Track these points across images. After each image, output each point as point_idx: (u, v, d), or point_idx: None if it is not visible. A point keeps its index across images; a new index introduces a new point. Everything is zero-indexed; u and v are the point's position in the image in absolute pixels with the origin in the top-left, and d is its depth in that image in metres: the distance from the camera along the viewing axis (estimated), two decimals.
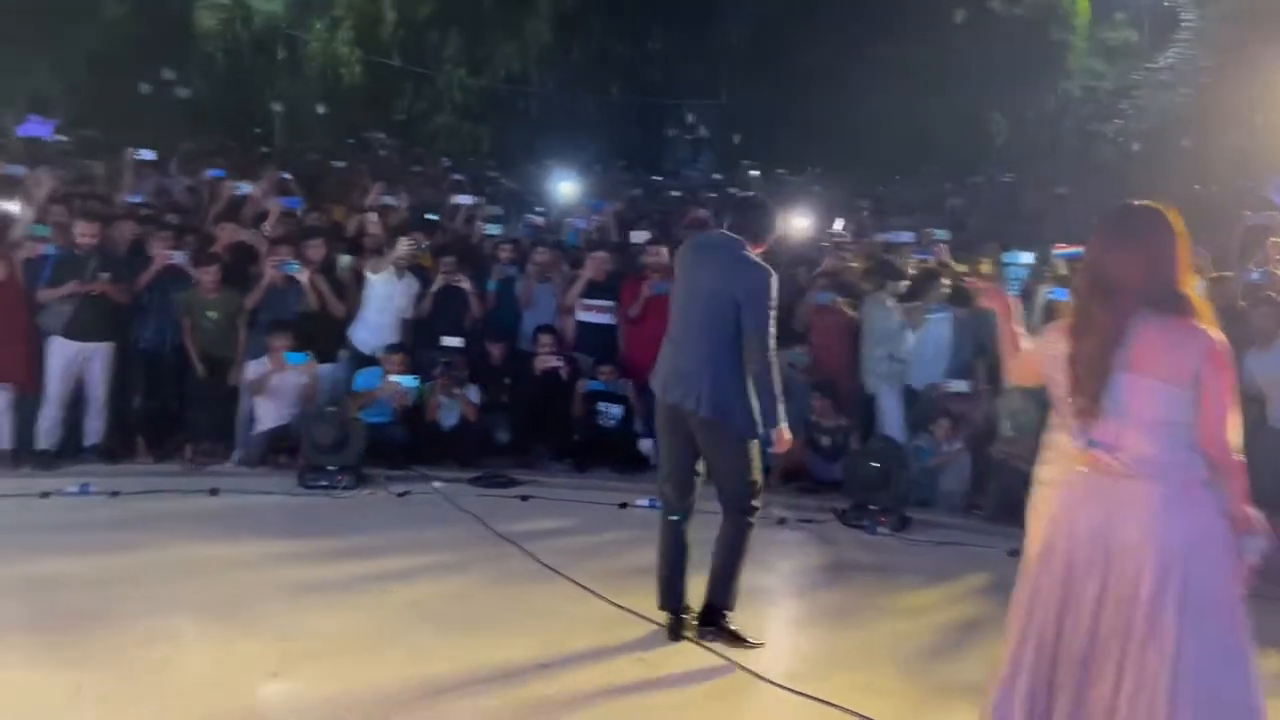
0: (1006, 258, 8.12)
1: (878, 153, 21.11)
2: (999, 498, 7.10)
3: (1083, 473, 3.01)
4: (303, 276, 7.49)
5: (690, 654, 4.50)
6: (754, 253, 4.77)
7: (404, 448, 7.71)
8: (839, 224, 10.15)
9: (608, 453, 8.30)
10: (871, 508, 6.92)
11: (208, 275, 7.27)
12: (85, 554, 5.27)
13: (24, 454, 7.08)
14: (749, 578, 4.82)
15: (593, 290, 8.65)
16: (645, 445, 8.22)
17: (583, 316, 8.59)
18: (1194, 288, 3.00)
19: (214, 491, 6.65)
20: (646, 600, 4.85)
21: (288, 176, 10.26)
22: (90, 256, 7.16)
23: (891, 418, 7.72)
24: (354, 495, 6.84)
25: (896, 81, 21.30)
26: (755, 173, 18.55)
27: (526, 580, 5.40)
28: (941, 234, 8.95)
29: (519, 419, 8.36)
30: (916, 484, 7.57)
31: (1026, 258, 7.93)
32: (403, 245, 7.82)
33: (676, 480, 4.87)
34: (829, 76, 22.16)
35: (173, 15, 22.16)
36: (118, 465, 7.22)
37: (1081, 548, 2.97)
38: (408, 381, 7.60)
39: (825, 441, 7.78)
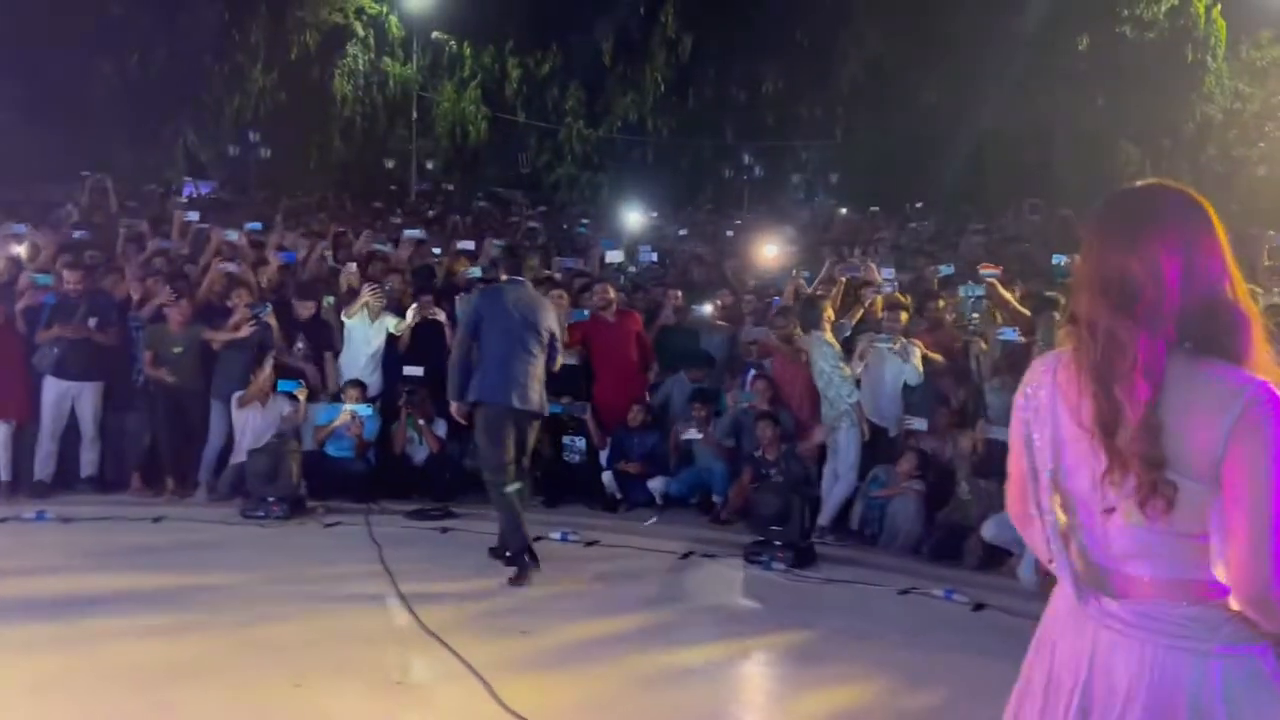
0: (964, 290, 7.66)
1: (995, 186, 20.29)
2: (942, 536, 6.67)
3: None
4: (271, 319, 7.86)
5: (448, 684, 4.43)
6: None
7: (365, 480, 7.90)
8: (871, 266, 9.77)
9: (575, 488, 8.26)
10: (776, 543, 6.62)
11: (177, 312, 7.73)
12: None
13: (22, 484, 7.69)
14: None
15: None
16: (607, 479, 8.13)
17: None
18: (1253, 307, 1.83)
19: (157, 519, 7.07)
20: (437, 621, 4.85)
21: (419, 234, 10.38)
22: (80, 303, 7.77)
23: (843, 454, 7.36)
24: (282, 525, 7.09)
25: (1016, 114, 20.48)
26: (843, 210, 18.15)
27: (355, 609, 5.46)
28: (889, 272, 8.45)
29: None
30: (866, 519, 7.19)
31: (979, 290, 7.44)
32: (366, 291, 8.11)
33: (516, 462, 6.15)
34: (946, 112, 21.56)
35: (313, 83, 23.91)
36: (109, 495, 7.72)
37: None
38: (362, 410, 7.84)
39: (775, 474, 7.49)
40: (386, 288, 8.22)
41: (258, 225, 10.73)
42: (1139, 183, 1.98)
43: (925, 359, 7.34)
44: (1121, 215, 1.89)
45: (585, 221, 16.45)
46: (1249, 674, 1.73)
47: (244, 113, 23.05)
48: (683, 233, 14.09)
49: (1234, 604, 1.72)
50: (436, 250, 10.24)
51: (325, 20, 24.07)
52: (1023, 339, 6.91)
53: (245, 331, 7.77)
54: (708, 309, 8.68)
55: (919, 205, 18.20)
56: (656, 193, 22.10)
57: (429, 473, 8.17)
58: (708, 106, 24.35)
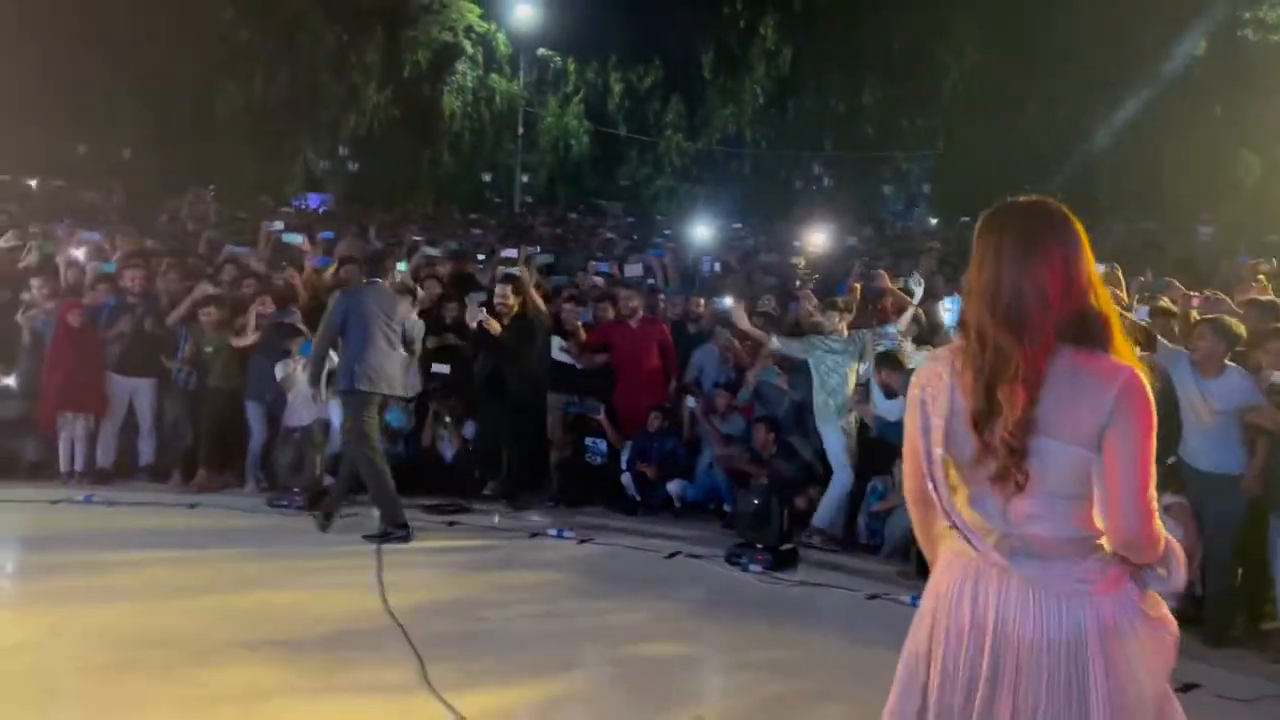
0: (949, 302, 7.50)
1: (1103, 198, 19.56)
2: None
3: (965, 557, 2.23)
4: (299, 323, 8.21)
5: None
6: None
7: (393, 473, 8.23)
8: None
9: (597, 490, 8.42)
10: (758, 546, 6.62)
11: (206, 316, 8.25)
12: None
13: (88, 471, 8.33)
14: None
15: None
16: (626, 481, 8.27)
17: (559, 357, 8.78)
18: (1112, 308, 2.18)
19: (193, 505, 7.58)
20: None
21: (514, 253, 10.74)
22: (139, 303, 8.39)
23: (833, 456, 7.33)
24: (302, 514, 7.48)
25: (1125, 122, 19.72)
26: (934, 220, 17.82)
27: (332, 591, 5.77)
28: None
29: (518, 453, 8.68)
30: (870, 529, 7.12)
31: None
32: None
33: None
34: (1050, 122, 20.93)
35: (424, 100, 24.91)
36: (162, 484, 8.30)
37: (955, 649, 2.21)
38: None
39: (759, 477, 7.50)
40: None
41: (329, 235, 11.32)
42: (1025, 198, 2.22)
43: None
44: (1016, 233, 2.16)
45: (666, 232, 16.65)
46: (1122, 604, 2.12)
47: (358, 129, 24.20)
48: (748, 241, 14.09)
49: (1109, 547, 2.11)
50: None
51: (436, 39, 25.09)
52: None
53: (250, 338, 8.17)
54: (728, 301, 8.73)
55: None
56: (752, 204, 22.16)
57: (455, 469, 8.48)
58: (806, 118, 24.23)
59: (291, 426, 8.02)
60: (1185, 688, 4.27)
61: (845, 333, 7.47)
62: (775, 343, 7.50)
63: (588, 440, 8.50)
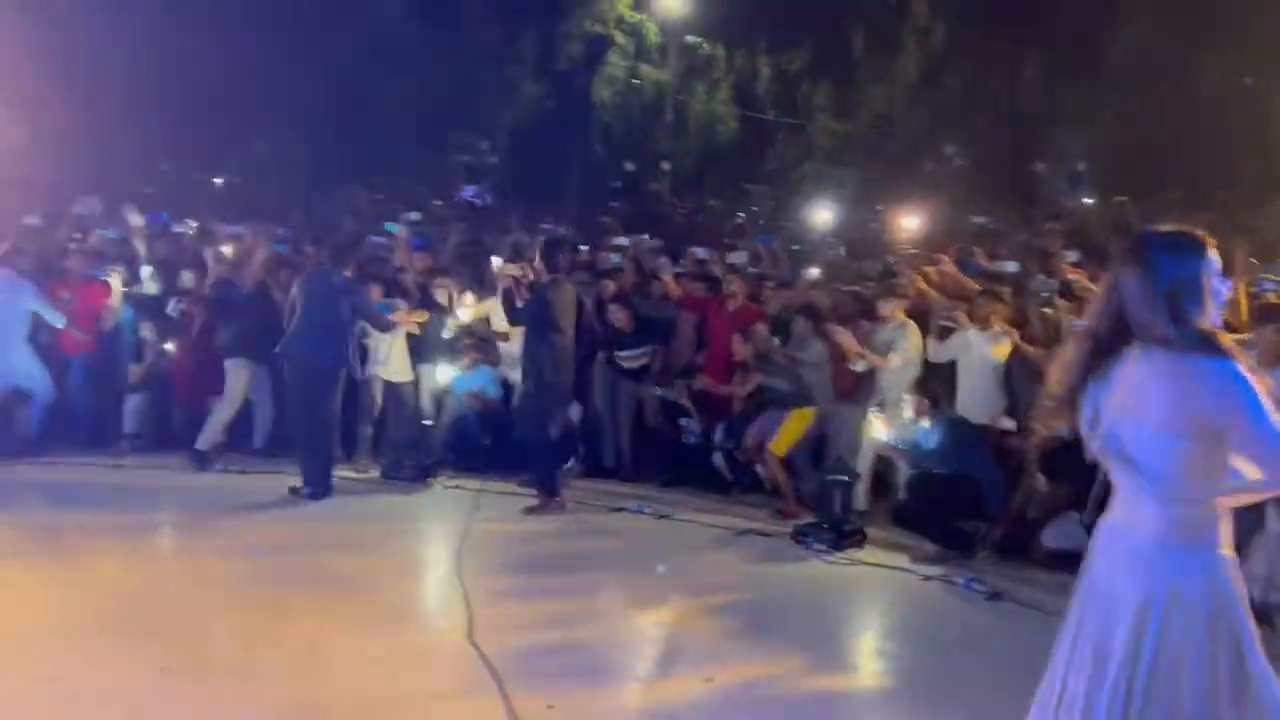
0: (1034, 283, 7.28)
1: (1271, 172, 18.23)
2: (1009, 531, 6.50)
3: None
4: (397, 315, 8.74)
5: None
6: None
7: (491, 450, 8.74)
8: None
9: (693, 470, 8.66)
10: (824, 525, 6.72)
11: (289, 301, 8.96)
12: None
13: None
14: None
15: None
16: (718, 460, 8.46)
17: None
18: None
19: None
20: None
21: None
22: (254, 294, 9.10)
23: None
24: (411, 486, 8.05)
25: None
26: (1088, 200, 17.06)
27: (410, 556, 6.27)
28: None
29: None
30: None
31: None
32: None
33: None
34: (1225, 95, 19.63)
35: (576, 91, 25.55)
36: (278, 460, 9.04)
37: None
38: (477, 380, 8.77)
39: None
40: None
41: (416, 215, 11.71)
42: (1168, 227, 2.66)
43: (1018, 354, 7.15)
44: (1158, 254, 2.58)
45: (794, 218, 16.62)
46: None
47: (514, 122, 25.07)
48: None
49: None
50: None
51: (588, 31, 25.69)
52: None
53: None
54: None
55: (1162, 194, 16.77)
56: (901, 187, 21.71)
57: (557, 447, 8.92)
58: (962, 96, 23.50)
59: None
60: None
61: (900, 319, 7.47)
62: (896, 360, 7.48)
63: (682, 420, 8.77)
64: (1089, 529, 6.11)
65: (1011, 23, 22.10)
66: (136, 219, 10.21)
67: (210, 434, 8.69)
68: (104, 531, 6.42)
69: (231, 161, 19.98)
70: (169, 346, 9.23)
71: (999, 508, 6.61)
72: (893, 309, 7.55)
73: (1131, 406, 2.50)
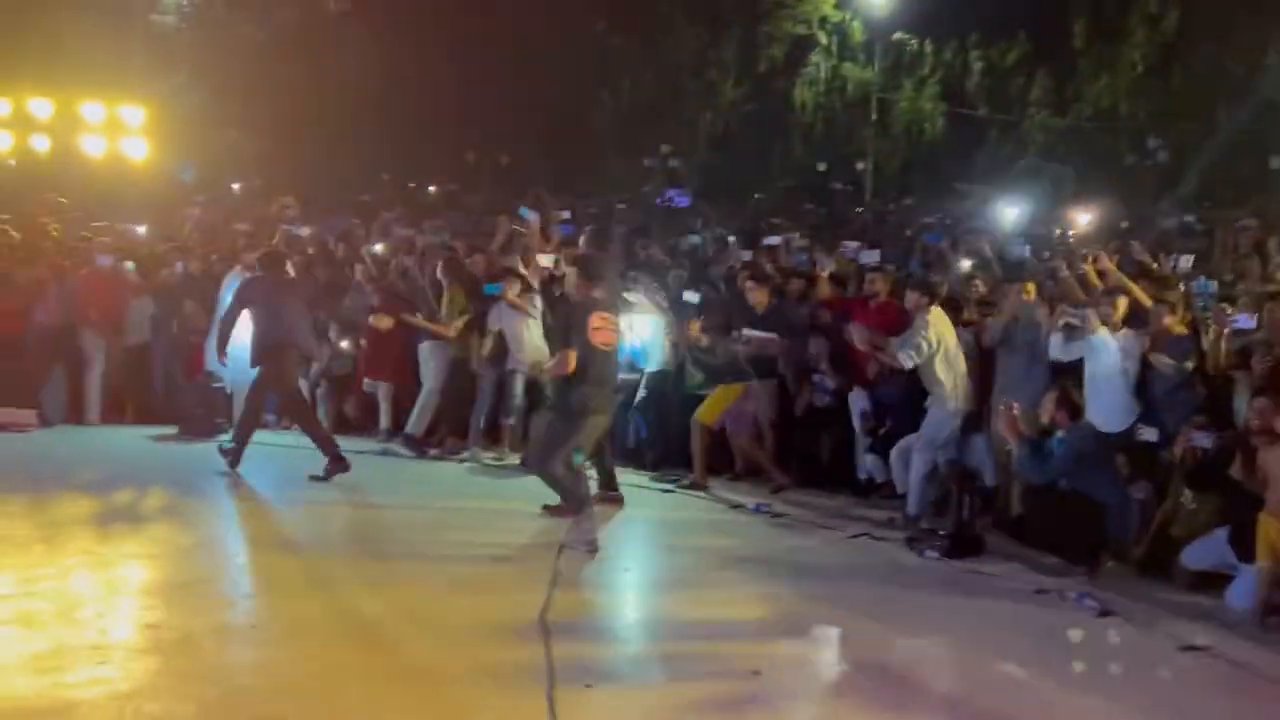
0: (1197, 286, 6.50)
1: None
2: (1155, 549, 5.93)
3: None
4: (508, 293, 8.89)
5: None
6: None
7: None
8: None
9: (831, 473, 8.42)
10: (939, 531, 6.34)
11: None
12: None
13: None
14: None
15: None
16: (870, 461, 8.13)
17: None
18: None
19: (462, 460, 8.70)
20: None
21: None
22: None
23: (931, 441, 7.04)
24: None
25: None
26: None
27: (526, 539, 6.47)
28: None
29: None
30: None
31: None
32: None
33: None
34: None
35: (777, 93, 25.43)
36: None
37: None
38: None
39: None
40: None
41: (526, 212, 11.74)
42: None
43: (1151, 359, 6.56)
44: None
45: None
46: None
47: (715, 126, 25.23)
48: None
49: None
50: None
51: (790, 32, 25.50)
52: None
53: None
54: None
55: None
56: (1125, 184, 20.28)
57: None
58: (1196, 85, 21.68)
59: None
60: None
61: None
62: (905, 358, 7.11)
63: (815, 376, 8.48)
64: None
65: (1255, 4, 20.20)
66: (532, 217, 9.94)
67: (419, 420, 9.12)
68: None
69: (442, 172, 21.17)
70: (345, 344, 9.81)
71: (1122, 533, 6.07)
72: (915, 301, 7.21)
73: None
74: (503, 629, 4.73)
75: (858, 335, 7.33)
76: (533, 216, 9.58)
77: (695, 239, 10.16)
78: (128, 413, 10.01)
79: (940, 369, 7.03)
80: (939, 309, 7.22)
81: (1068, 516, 6.13)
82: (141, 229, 11.95)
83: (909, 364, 7.02)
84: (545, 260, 7.31)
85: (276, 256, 8.37)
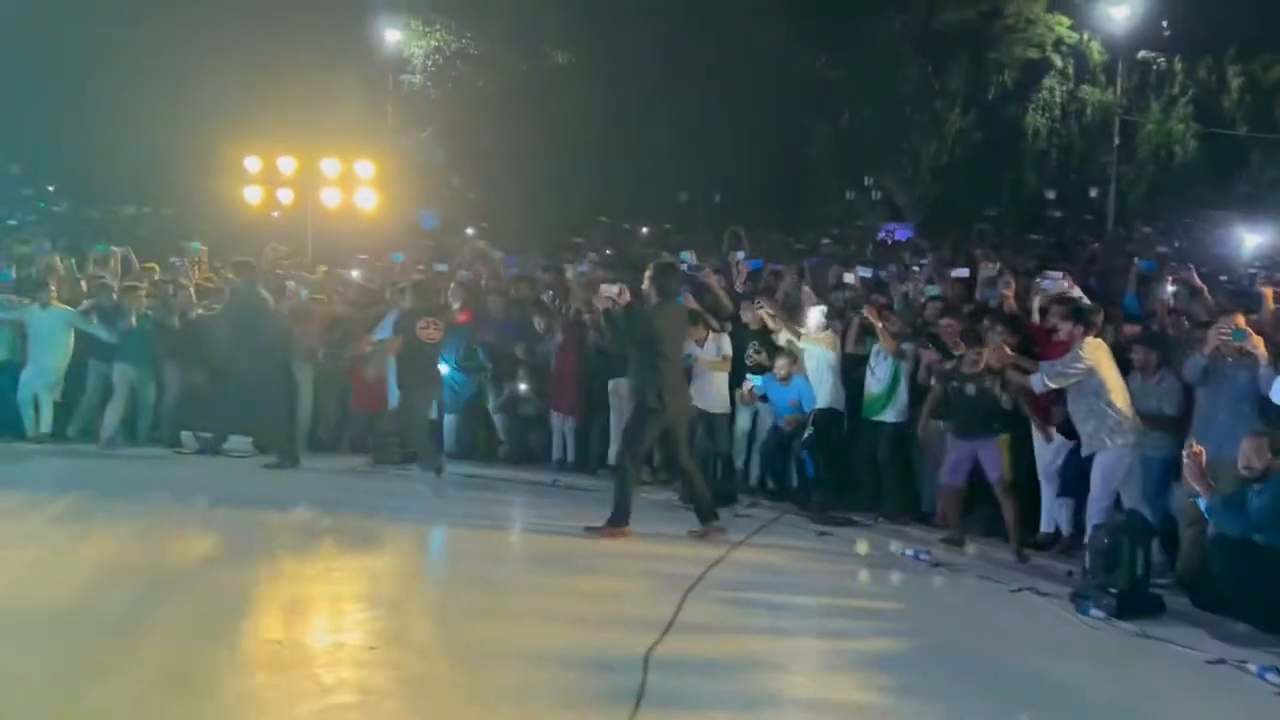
0: None
1: None
2: None
3: None
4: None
5: None
6: None
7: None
8: None
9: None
10: (1110, 590, 5.64)
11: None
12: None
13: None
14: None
15: None
16: (1054, 505, 7.48)
17: None
18: None
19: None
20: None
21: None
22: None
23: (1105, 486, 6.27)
24: None
25: None
26: None
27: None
28: None
29: None
30: None
31: None
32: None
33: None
34: None
35: (1007, 120, 24.21)
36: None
37: None
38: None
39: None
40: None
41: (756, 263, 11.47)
42: None
43: None
44: None
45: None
46: None
47: (939, 156, 24.27)
48: None
49: None
50: None
51: (1021, 58, 24.23)
52: None
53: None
54: None
55: None
56: None
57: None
58: None
59: None
60: None
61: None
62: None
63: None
64: None
65: None
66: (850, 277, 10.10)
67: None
68: None
69: (657, 211, 21.57)
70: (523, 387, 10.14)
71: None
72: (1069, 332, 6.77)
73: None
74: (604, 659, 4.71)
75: (996, 355, 6.99)
76: (739, 255, 9.93)
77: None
78: None
79: (1092, 404, 6.51)
80: (1096, 339, 6.68)
81: (1263, 577, 5.39)
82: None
83: (1040, 388, 6.70)
84: (610, 290, 7.52)
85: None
